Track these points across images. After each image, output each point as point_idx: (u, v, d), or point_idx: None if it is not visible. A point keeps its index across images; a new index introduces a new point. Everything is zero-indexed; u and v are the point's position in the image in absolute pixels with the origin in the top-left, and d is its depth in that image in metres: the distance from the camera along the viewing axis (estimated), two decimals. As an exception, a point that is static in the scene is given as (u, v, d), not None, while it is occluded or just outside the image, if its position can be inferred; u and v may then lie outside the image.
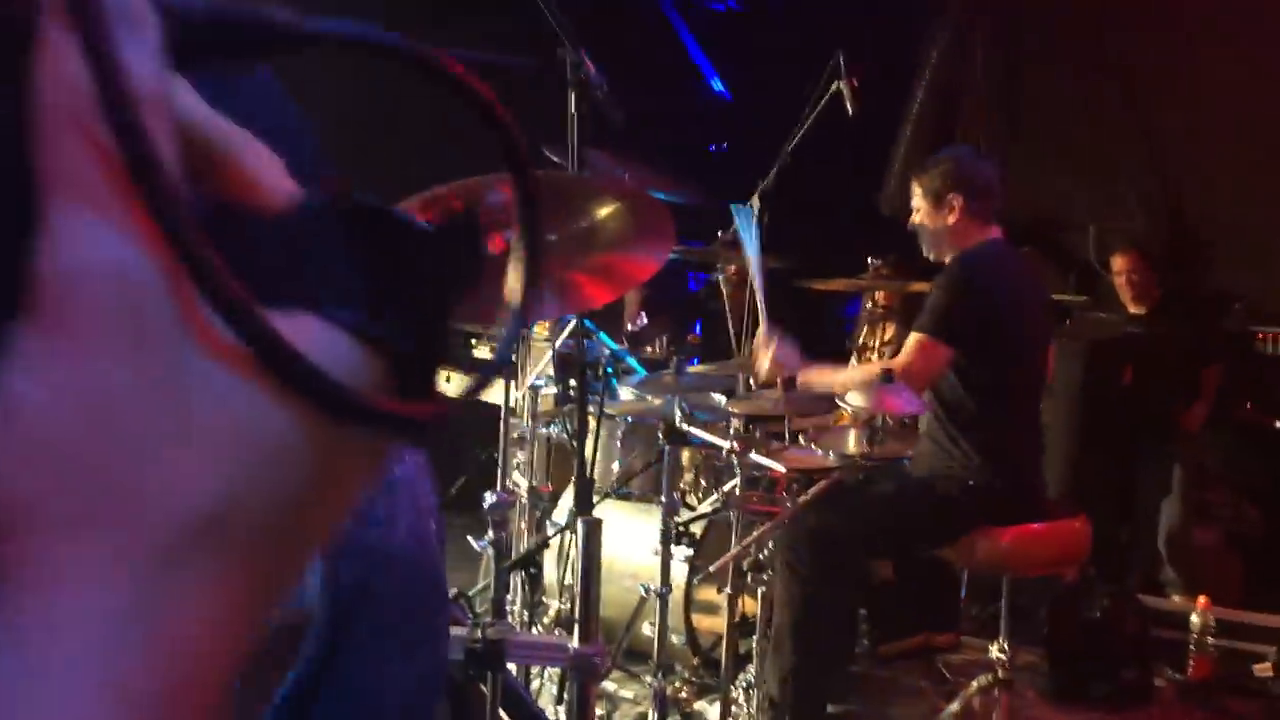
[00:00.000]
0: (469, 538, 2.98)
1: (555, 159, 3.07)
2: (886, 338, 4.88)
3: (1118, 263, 5.55)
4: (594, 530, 2.59)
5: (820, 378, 3.45)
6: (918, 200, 3.54)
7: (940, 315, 3.37)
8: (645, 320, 6.06)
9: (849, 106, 3.98)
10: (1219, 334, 5.73)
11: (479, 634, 2.31)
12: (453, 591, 3.56)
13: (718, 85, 8.96)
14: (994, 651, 3.50)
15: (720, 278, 4.23)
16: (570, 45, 2.61)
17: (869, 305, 4.55)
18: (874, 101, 4.46)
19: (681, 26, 8.81)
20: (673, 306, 6.73)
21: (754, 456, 3.20)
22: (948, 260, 3.50)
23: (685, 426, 3.23)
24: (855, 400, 3.14)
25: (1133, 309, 5.53)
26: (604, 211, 2.40)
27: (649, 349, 5.74)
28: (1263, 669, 4.17)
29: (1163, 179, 6.53)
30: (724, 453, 3.32)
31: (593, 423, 3.65)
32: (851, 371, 3.51)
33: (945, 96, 6.67)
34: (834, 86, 4.02)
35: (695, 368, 3.79)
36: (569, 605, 3.67)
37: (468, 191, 2.56)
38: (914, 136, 6.47)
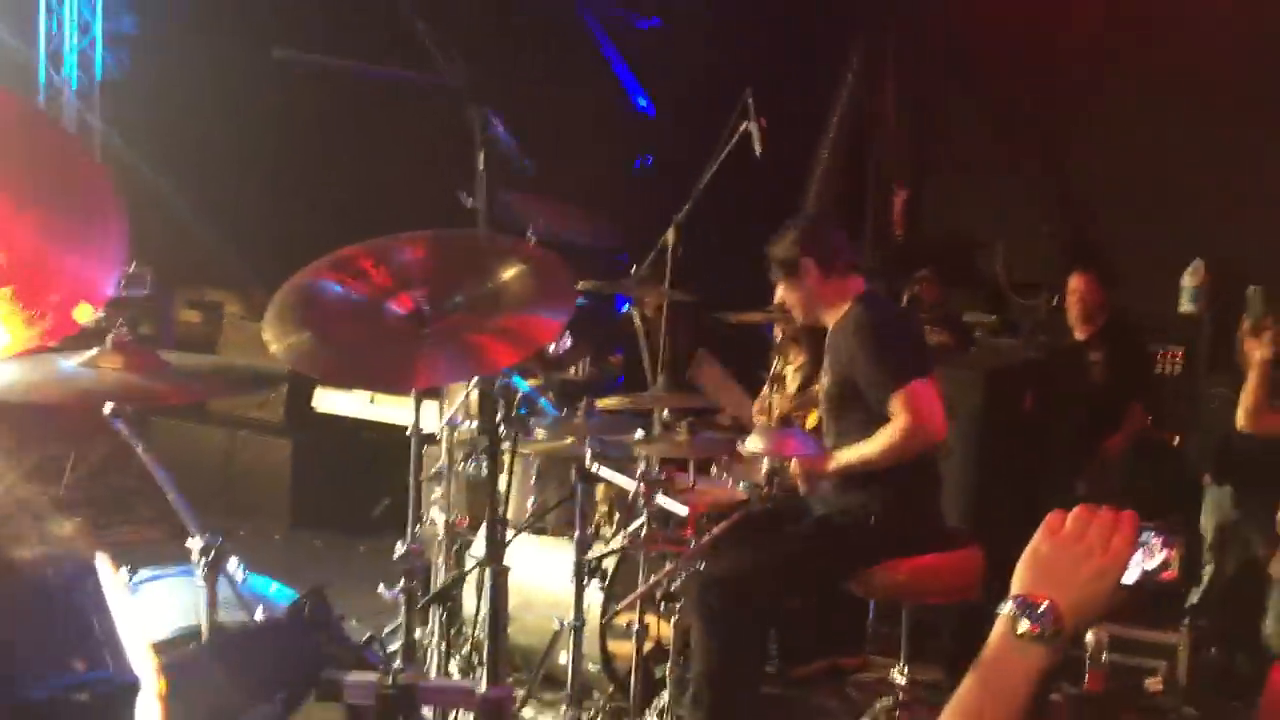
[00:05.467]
0: (381, 585, 3.03)
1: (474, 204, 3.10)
2: (799, 364, 5.00)
3: (1072, 282, 5.63)
4: (500, 579, 2.68)
5: (851, 458, 3.44)
6: (775, 274, 3.58)
7: (893, 359, 3.38)
8: (569, 342, 6.13)
9: (756, 146, 4.11)
10: (1148, 371, 5.89)
11: (390, 680, 2.36)
12: (366, 635, 3.62)
13: (642, 102, 9.06)
14: (895, 674, 3.67)
15: (635, 311, 4.33)
16: (476, 104, 2.68)
17: (779, 335, 4.67)
18: (788, 132, 4.60)
19: (607, 43, 8.90)
20: (596, 328, 6.82)
21: (659, 499, 3.31)
22: (829, 322, 3.56)
23: (595, 468, 3.32)
24: (755, 446, 3.26)
25: (1077, 332, 5.62)
26: (508, 273, 2.48)
27: (572, 370, 5.82)
28: (1154, 683, 4.37)
29: (1070, 203, 6.78)
30: (630, 495, 3.42)
31: (507, 460, 3.74)
32: (874, 443, 3.38)
33: (858, 123, 6.85)
34: (743, 127, 4.15)
35: (610, 400, 3.87)
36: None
37: (377, 251, 2.63)
38: (829, 163, 6.64)
